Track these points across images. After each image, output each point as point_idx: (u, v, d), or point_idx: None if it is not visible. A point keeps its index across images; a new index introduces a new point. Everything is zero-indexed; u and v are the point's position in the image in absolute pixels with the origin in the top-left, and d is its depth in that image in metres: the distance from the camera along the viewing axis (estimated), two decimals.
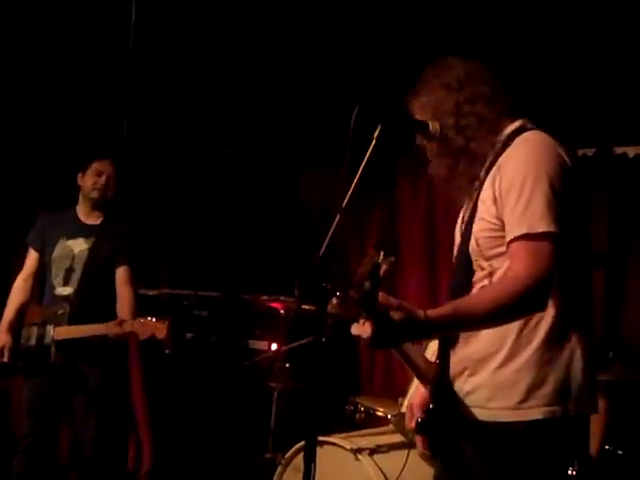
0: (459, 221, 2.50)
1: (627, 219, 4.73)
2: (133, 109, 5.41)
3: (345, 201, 2.27)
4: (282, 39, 5.09)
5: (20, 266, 4.69)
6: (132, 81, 5.32)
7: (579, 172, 2.31)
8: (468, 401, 2.31)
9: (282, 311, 4.79)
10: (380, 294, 1.98)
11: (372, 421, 4.32)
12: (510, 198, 2.21)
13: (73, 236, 4.51)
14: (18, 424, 4.68)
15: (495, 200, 2.26)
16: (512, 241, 2.20)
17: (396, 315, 2.02)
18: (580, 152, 4.67)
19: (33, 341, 4.39)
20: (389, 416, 4.05)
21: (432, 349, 3.69)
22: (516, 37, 4.55)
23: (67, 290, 4.42)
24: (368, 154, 2.30)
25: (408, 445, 3.62)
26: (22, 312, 4.50)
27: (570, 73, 4.65)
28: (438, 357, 2.43)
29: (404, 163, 5.40)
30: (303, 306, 2.44)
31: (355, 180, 2.27)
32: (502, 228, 2.25)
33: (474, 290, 2.33)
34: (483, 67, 2.45)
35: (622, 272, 4.72)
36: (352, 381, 5.13)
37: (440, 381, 2.37)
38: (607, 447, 3.72)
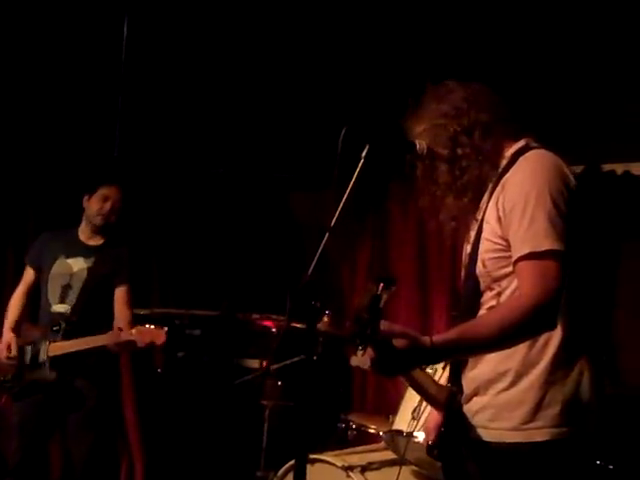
0: (465, 243, 2.49)
1: (616, 235, 4.76)
2: (125, 128, 5.42)
3: (333, 220, 2.29)
4: (272, 60, 5.12)
5: (12, 282, 4.71)
6: (124, 100, 5.34)
7: (585, 189, 2.29)
8: (474, 421, 2.31)
9: (274, 329, 4.81)
10: (383, 322, 1.97)
11: (364, 438, 4.32)
12: (514, 217, 2.20)
13: (73, 255, 4.52)
14: (7, 443, 4.67)
15: (499, 220, 2.25)
16: (517, 261, 2.18)
17: (399, 343, 2.02)
18: None
19: (28, 359, 4.39)
20: (381, 433, 4.05)
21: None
22: (504, 55, 4.58)
23: (63, 307, 4.42)
24: (356, 173, 2.32)
25: (399, 462, 3.62)
26: (21, 322, 4.52)
27: (558, 90, 4.68)
28: (450, 380, 2.42)
29: (394, 184, 5.42)
30: (293, 324, 2.44)
31: (343, 199, 2.29)
32: (508, 248, 2.23)
33: (482, 311, 2.31)
34: (483, 90, 2.44)
35: (612, 290, 4.74)
36: (344, 398, 5.14)
37: (451, 404, 2.37)
38: (598, 462, 3.73)
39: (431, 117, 2.42)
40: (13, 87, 5.32)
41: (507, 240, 2.23)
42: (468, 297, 2.37)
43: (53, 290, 4.47)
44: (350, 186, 2.30)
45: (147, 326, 4.24)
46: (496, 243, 2.27)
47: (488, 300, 2.31)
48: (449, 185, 2.39)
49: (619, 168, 4.75)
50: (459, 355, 2.29)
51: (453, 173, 2.38)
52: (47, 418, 4.38)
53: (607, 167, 4.77)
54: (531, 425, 2.21)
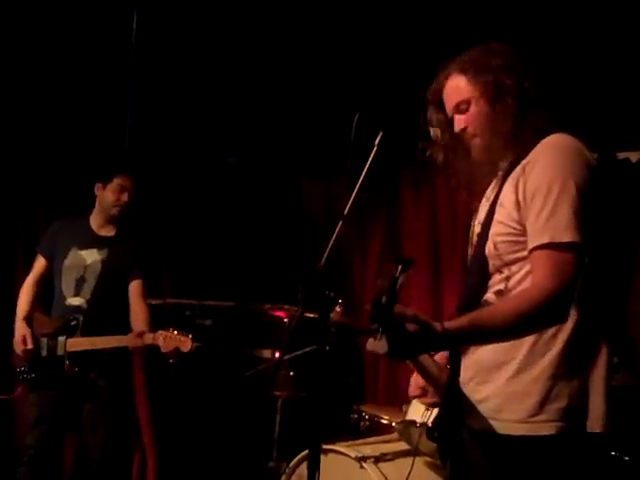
0: (474, 221, 2.45)
1: (631, 224, 4.72)
2: (135, 118, 5.40)
3: (347, 209, 2.27)
4: (283, 48, 5.09)
5: (22, 271, 4.71)
6: (134, 90, 5.32)
7: (608, 175, 2.27)
8: (480, 410, 2.27)
9: (286, 319, 4.79)
10: (396, 305, 1.93)
11: (376, 429, 4.30)
12: (535, 204, 2.16)
13: (86, 246, 4.50)
14: (22, 435, 4.68)
15: (518, 204, 2.20)
16: (534, 249, 2.15)
17: (411, 327, 1.97)
18: None
19: (44, 352, 4.38)
20: (393, 424, 4.03)
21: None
22: (517, 42, 4.54)
23: (78, 300, 4.41)
24: (370, 161, 2.30)
25: (413, 453, 3.60)
26: (32, 313, 4.50)
27: (572, 79, 4.64)
28: (448, 362, 2.39)
29: (407, 171, 5.40)
30: (306, 314, 2.42)
31: (357, 187, 2.27)
32: (523, 233, 2.20)
33: (489, 293, 2.28)
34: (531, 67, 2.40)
35: (628, 276, 4.70)
36: (356, 389, 5.12)
37: (450, 386, 2.34)
38: (613, 453, 3.70)
39: (479, 64, 2.36)
40: (24, 78, 5.31)
41: (523, 226, 2.19)
42: (474, 277, 2.35)
43: (67, 282, 4.46)
44: (363, 174, 2.28)
45: (172, 331, 4.22)
46: (511, 227, 2.22)
47: (496, 283, 2.28)
48: (485, 130, 2.34)
49: (634, 156, 4.71)
50: (470, 343, 2.25)
51: (489, 118, 2.33)
52: (64, 411, 4.38)
53: (622, 155, 4.73)
54: (537, 418, 2.17)
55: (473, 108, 2.36)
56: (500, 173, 2.36)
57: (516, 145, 2.31)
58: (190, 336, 4.21)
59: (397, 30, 4.79)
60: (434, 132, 2.43)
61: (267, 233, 5.85)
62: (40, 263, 4.60)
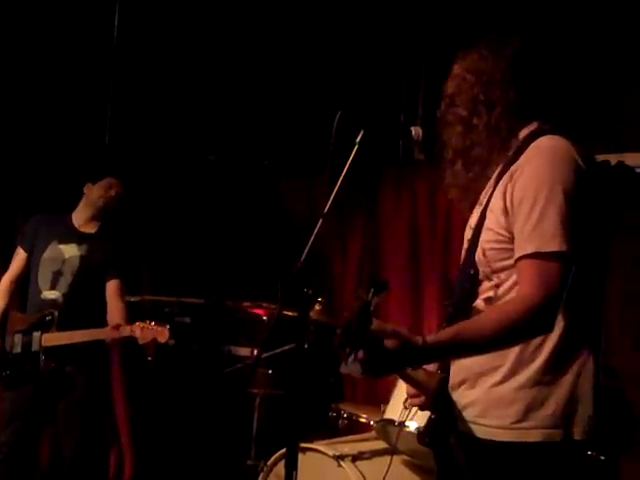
0: (467, 227, 2.41)
1: (609, 228, 4.74)
2: (116, 116, 5.39)
3: (327, 207, 2.27)
4: (263, 47, 5.10)
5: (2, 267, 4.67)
6: (115, 87, 5.31)
7: (596, 177, 2.22)
8: (464, 415, 2.25)
9: (265, 317, 4.78)
10: (375, 322, 1.92)
11: (355, 428, 4.31)
12: (521, 211, 2.12)
13: (66, 241, 4.48)
14: None
15: (506, 211, 2.16)
16: (520, 259, 2.11)
17: (390, 343, 1.96)
18: None
19: (18, 349, 4.35)
20: (372, 422, 4.04)
21: None
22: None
23: (54, 294, 4.38)
24: (350, 159, 2.30)
25: (391, 451, 3.61)
26: (6, 315, 4.46)
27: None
28: (440, 367, 2.36)
29: (388, 170, 5.40)
30: (285, 312, 2.41)
31: (337, 186, 2.27)
32: (511, 241, 2.16)
33: (478, 300, 2.25)
34: (526, 62, 2.33)
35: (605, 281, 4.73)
36: (335, 388, 5.12)
37: (442, 391, 2.31)
38: (590, 453, 3.72)
39: (468, 68, 2.34)
40: (2, 75, 5.27)
41: (512, 233, 2.16)
42: (464, 283, 2.30)
43: (44, 276, 4.42)
44: (344, 172, 2.28)
45: (149, 322, 4.21)
46: (499, 234, 2.19)
47: (485, 290, 2.24)
48: (459, 152, 2.32)
49: (613, 159, 4.73)
50: (452, 356, 2.22)
51: (464, 141, 2.30)
52: (39, 407, 4.35)
53: (601, 157, 4.75)
54: (523, 425, 2.14)
55: (457, 101, 2.35)
56: (492, 180, 2.32)
57: (503, 149, 2.28)
58: (167, 326, 4.20)
59: (378, 29, 4.80)
60: (415, 131, 2.43)
61: (247, 231, 5.84)
62: (20, 257, 4.56)
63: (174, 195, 5.81)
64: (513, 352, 2.17)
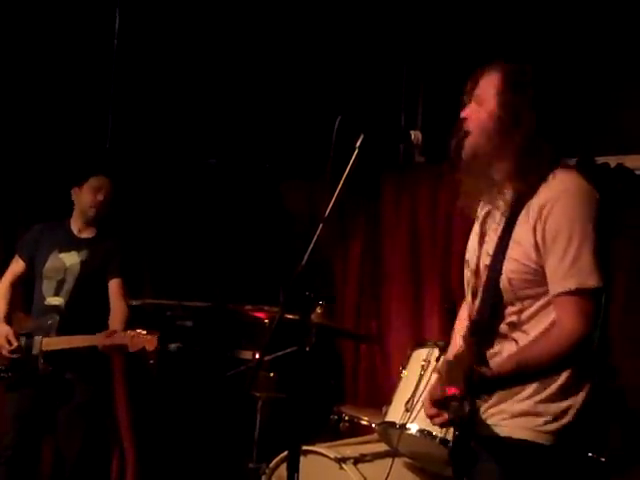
0: (476, 245, 2.49)
1: (609, 229, 4.74)
2: (117, 119, 5.40)
3: (327, 210, 2.28)
4: (264, 50, 5.11)
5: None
6: (116, 92, 5.32)
7: (606, 205, 2.36)
8: (488, 420, 2.36)
9: (266, 320, 4.79)
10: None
11: (356, 430, 4.31)
12: (557, 248, 2.24)
13: (66, 249, 4.50)
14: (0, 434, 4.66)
15: (537, 247, 2.27)
16: (561, 294, 2.24)
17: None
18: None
19: (23, 353, 4.36)
20: (373, 425, 4.04)
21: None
22: (498, 47, 4.57)
23: (57, 300, 4.41)
24: (351, 163, 2.31)
25: (392, 454, 3.62)
26: (11, 313, 4.49)
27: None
28: None
29: (388, 173, 5.41)
30: (286, 315, 2.43)
31: (338, 189, 2.28)
32: (538, 273, 2.28)
33: (502, 325, 2.35)
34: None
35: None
36: (336, 390, 5.13)
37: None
38: (590, 454, 3.72)
39: (498, 88, 2.40)
40: (4, 78, 5.28)
41: (541, 267, 2.28)
42: (485, 307, 2.38)
43: (48, 285, 4.46)
44: (344, 176, 2.30)
45: (139, 331, 4.22)
46: (527, 266, 2.30)
47: (509, 315, 2.34)
48: (485, 156, 2.39)
49: (612, 161, 4.74)
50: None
51: (494, 148, 2.38)
52: (40, 410, 4.36)
53: (601, 160, 4.76)
54: (544, 428, 2.28)
55: (484, 107, 2.40)
56: (500, 202, 2.40)
57: (520, 174, 2.35)
58: (156, 335, 4.22)
59: (378, 34, 4.81)
60: (415, 135, 2.45)
61: (248, 234, 5.85)
62: (18, 265, 4.60)
63: (176, 199, 5.82)
64: None
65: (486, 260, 2.41)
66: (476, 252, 2.48)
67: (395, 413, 3.64)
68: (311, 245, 2.26)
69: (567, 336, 2.22)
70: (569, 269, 2.22)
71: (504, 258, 2.33)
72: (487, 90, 2.41)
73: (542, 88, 2.42)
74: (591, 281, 2.22)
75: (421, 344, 3.84)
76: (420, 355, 3.73)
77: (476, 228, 2.54)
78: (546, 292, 2.29)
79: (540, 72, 2.45)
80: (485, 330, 2.34)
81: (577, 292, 2.22)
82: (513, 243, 2.32)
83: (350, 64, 5.00)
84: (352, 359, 5.53)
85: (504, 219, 2.38)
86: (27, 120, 5.40)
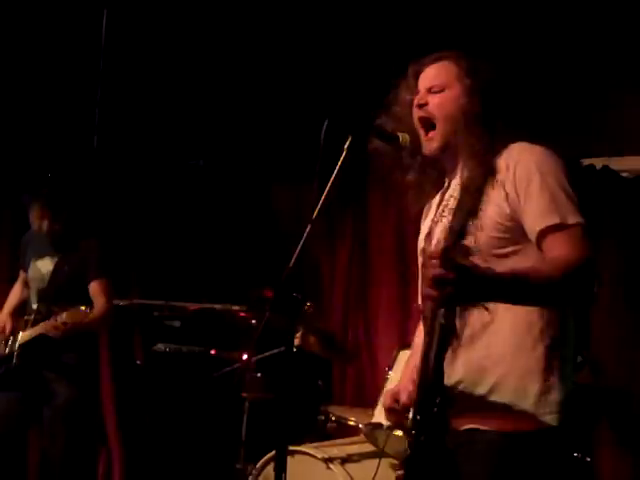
0: (428, 233, 2.49)
1: (595, 230, 4.77)
2: (104, 120, 5.39)
3: (315, 212, 2.29)
4: (252, 52, 5.11)
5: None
6: (103, 91, 5.31)
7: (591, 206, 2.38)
8: (470, 409, 2.31)
9: (254, 321, 4.79)
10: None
11: (343, 431, 4.32)
12: (532, 192, 2.23)
13: (41, 256, 4.55)
14: None
15: (507, 197, 2.26)
16: (544, 232, 2.21)
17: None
18: None
19: (8, 350, 4.42)
20: (360, 425, 4.05)
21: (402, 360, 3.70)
22: (484, 47, 4.58)
23: (37, 305, 4.49)
24: (339, 165, 2.32)
25: (379, 454, 3.63)
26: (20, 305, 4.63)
27: (538, 84, 4.69)
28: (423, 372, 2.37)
29: (374, 175, 5.41)
30: (274, 316, 2.43)
31: (326, 191, 2.29)
32: (511, 230, 2.26)
33: None
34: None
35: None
36: (324, 391, 5.14)
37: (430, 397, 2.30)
38: (575, 454, 3.75)
39: (473, 64, 2.45)
40: None
41: (514, 219, 2.26)
42: None
43: (33, 293, 4.56)
44: (332, 178, 2.31)
45: (79, 307, 4.22)
46: (499, 223, 2.27)
47: None
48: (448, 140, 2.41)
49: (598, 163, 4.76)
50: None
51: (459, 110, 2.39)
52: (23, 413, 4.38)
53: (586, 162, 4.78)
54: (540, 411, 2.26)
55: (447, 92, 2.42)
56: (454, 183, 2.42)
57: (479, 152, 2.36)
58: (97, 309, 4.25)
59: (366, 34, 4.82)
60: (402, 137, 2.46)
61: (236, 235, 5.85)
62: (22, 275, 4.75)
63: (164, 200, 5.81)
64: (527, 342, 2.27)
65: (443, 235, 2.38)
66: (428, 234, 2.49)
67: (382, 414, 3.64)
68: (299, 246, 2.27)
69: (565, 260, 2.15)
70: (549, 205, 2.21)
71: (465, 227, 2.29)
72: (444, 78, 2.43)
73: (493, 73, 2.46)
74: (574, 218, 2.21)
75: (407, 345, 3.84)
76: (406, 356, 3.73)
77: (427, 222, 2.55)
78: (515, 251, 2.28)
79: (483, 60, 2.49)
80: None
81: (561, 227, 2.20)
82: (484, 207, 2.30)
83: (338, 66, 5.01)
84: (339, 359, 5.53)
85: (459, 195, 2.38)
86: (14, 120, 5.39)
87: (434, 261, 1.98)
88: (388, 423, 3.47)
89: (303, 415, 4.30)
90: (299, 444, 3.80)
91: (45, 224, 4.48)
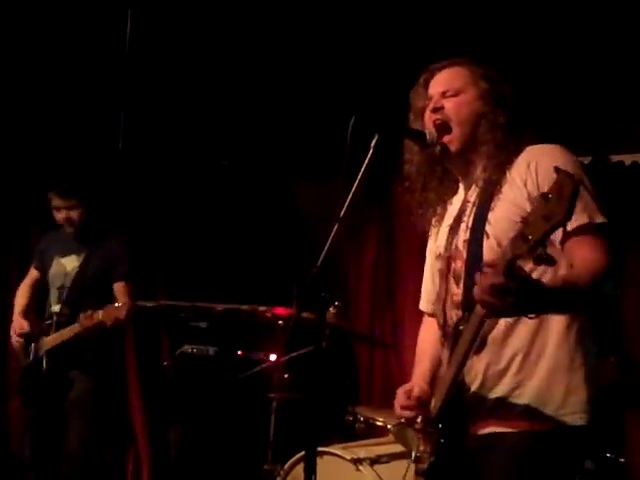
0: (444, 236, 2.50)
1: (623, 226, 4.72)
2: (129, 121, 5.40)
3: (343, 210, 2.27)
4: (277, 51, 5.09)
5: (15, 286, 4.76)
6: (128, 93, 5.32)
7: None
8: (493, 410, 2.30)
9: (280, 321, 4.78)
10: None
11: (372, 431, 4.29)
12: None
13: (66, 254, 4.52)
14: (17, 440, 4.70)
15: (530, 198, 2.23)
16: (574, 231, 2.17)
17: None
18: None
19: (32, 357, 4.42)
20: (389, 426, 4.03)
21: None
22: (512, 43, 4.55)
23: (58, 307, 4.47)
24: (366, 163, 2.30)
25: (408, 455, 3.60)
26: (30, 309, 4.58)
27: (566, 81, 4.65)
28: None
29: (401, 172, 5.38)
30: (302, 316, 2.42)
31: (353, 189, 2.27)
32: None
33: None
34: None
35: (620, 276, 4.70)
36: (351, 391, 5.12)
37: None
38: (609, 455, 3.70)
39: (484, 69, 2.45)
40: (16, 82, 5.30)
41: None
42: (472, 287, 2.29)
43: (53, 292, 4.53)
44: (360, 176, 2.28)
45: (110, 305, 4.23)
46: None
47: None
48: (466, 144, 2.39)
49: (627, 159, 4.72)
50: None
51: (475, 114, 2.40)
52: (55, 427, 4.39)
53: (615, 158, 4.73)
54: (565, 410, 2.25)
55: (463, 96, 2.41)
56: (471, 188, 2.42)
57: (499, 150, 2.36)
58: (127, 305, 4.23)
59: (393, 32, 4.79)
60: (430, 134, 2.44)
61: (261, 235, 5.84)
62: (32, 273, 4.71)
63: (189, 200, 5.82)
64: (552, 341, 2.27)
65: (466, 236, 2.39)
66: (449, 240, 2.48)
67: None
68: (327, 246, 2.24)
69: (597, 267, 2.15)
70: (576, 206, 2.16)
71: (483, 228, 2.30)
72: (459, 82, 2.43)
73: (505, 78, 2.46)
74: (599, 218, 2.20)
75: None
76: None
77: (443, 227, 2.55)
78: None
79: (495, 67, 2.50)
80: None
81: (589, 226, 2.18)
82: (502, 204, 2.30)
83: (365, 63, 4.98)
84: (367, 360, 5.52)
85: (478, 198, 2.39)
86: (40, 123, 5.42)
87: (494, 269, 1.95)
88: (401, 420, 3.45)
89: (331, 416, 4.29)
90: (327, 445, 3.78)
91: (67, 216, 4.46)
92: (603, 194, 2.31)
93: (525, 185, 2.27)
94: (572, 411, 2.24)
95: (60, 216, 4.48)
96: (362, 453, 3.73)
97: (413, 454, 2.59)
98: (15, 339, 4.51)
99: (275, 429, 4.55)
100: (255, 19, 4.93)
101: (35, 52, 5.15)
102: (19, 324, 4.52)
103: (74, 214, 4.47)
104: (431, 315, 2.73)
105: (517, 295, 1.94)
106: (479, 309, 2.10)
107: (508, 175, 2.32)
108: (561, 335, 2.27)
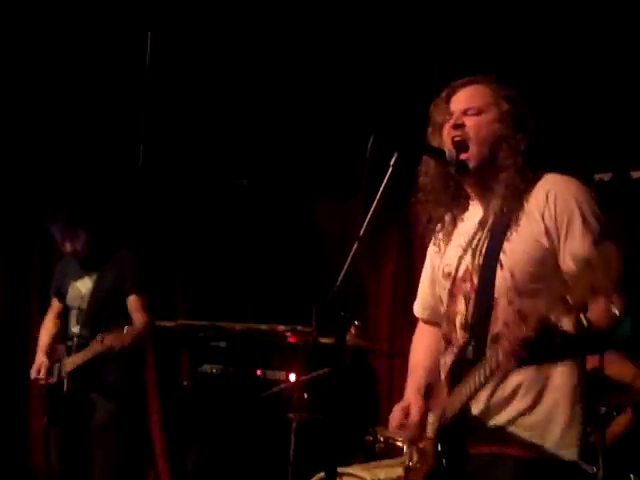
0: (454, 255, 2.48)
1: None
2: (149, 140, 5.43)
3: (362, 230, 2.25)
4: (296, 71, 5.11)
5: (37, 317, 4.78)
6: (148, 112, 5.35)
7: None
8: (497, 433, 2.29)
9: (299, 342, 4.76)
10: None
11: (392, 451, 4.26)
12: (574, 229, 2.23)
13: (80, 277, 4.55)
14: (37, 454, 4.72)
15: (547, 231, 2.25)
16: None
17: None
18: (597, 177, 4.65)
19: (56, 378, 4.44)
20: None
21: None
22: (530, 57, 4.55)
23: (77, 328, 4.51)
24: (385, 181, 2.28)
25: None
26: (52, 344, 4.60)
27: (587, 98, 4.64)
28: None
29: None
30: (321, 336, 2.40)
31: (373, 208, 2.25)
32: (543, 263, 2.25)
33: (498, 326, 2.23)
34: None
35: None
36: (371, 411, 5.09)
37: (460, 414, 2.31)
38: (632, 475, 3.66)
39: (509, 91, 2.43)
40: (38, 102, 5.34)
41: (552, 253, 2.25)
42: (482, 309, 2.33)
43: (72, 315, 4.56)
44: (379, 194, 2.27)
45: (122, 329, 4.26)
46: (533, 258, 2.27)
47: (506, 314, 2.20)
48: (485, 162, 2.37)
49: None
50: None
51: (495, 135, 2.38)
52: (77, 430, 4.40)
53: (636, 174, 4.70)
54: (563, 442, 2.25)
55: (484, 116, 2.39)
56: (489, 209, 2.40)
57: (518, 175, 2.34)
58: (129, 328, 4.25)
59: (412, 51, 4.80)
60: (449, 152, 2.42)
61: (281, 255, 5.84)
62: (54, 304, 4.74)
63: (208, 220, 5.83)
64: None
65: (480, 261, 2.37)
66: (460, 260, 2.46)
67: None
68: (346, 265, 2.23)
69: (612, 315, 2.15)
70: (590, 249, 2.17)
71: (498, 256, 2.30)
72: (481, 101, 2.41)
73: (526, 100, 2.44)
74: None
75: None
76: None
77: (452, 247, 2.53)
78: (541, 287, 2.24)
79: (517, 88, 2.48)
80: (483, 332, 2.30)
81: None
82: (517, 235, 2.30)
83: (383, 82, 4.99)
84: (386, 380, 5.49)
85: (493, 224, 2.37)
86: (61, 142, 5.46)
87: (526, 323, 1.97)
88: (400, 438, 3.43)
89: (351, 436, 4.26)
90: (347, 465, 3.75)
91: (71, 245, 4.48)
92: (623, 210, 2.30)
93: (543, 218, 2.27)
94: (568, 444, 2.25)
95: (65, 249, 4.52)
96: (382, 474, 3.70)
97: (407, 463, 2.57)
98: (33, 377, 4.53)
99: (295, 449, 4.53)
100: (275, 40, 4.95)
101: (56, 73, 5.19)
102: (37, 365, 4.53)
103: (78, 245, 4.49)
104: (426, 322, 2.72)
105: (541, 347, 2.00)
106: (503, 359, 2.08)
107: (526, 205, 2.31)
108: (566, 367, 2.27)
